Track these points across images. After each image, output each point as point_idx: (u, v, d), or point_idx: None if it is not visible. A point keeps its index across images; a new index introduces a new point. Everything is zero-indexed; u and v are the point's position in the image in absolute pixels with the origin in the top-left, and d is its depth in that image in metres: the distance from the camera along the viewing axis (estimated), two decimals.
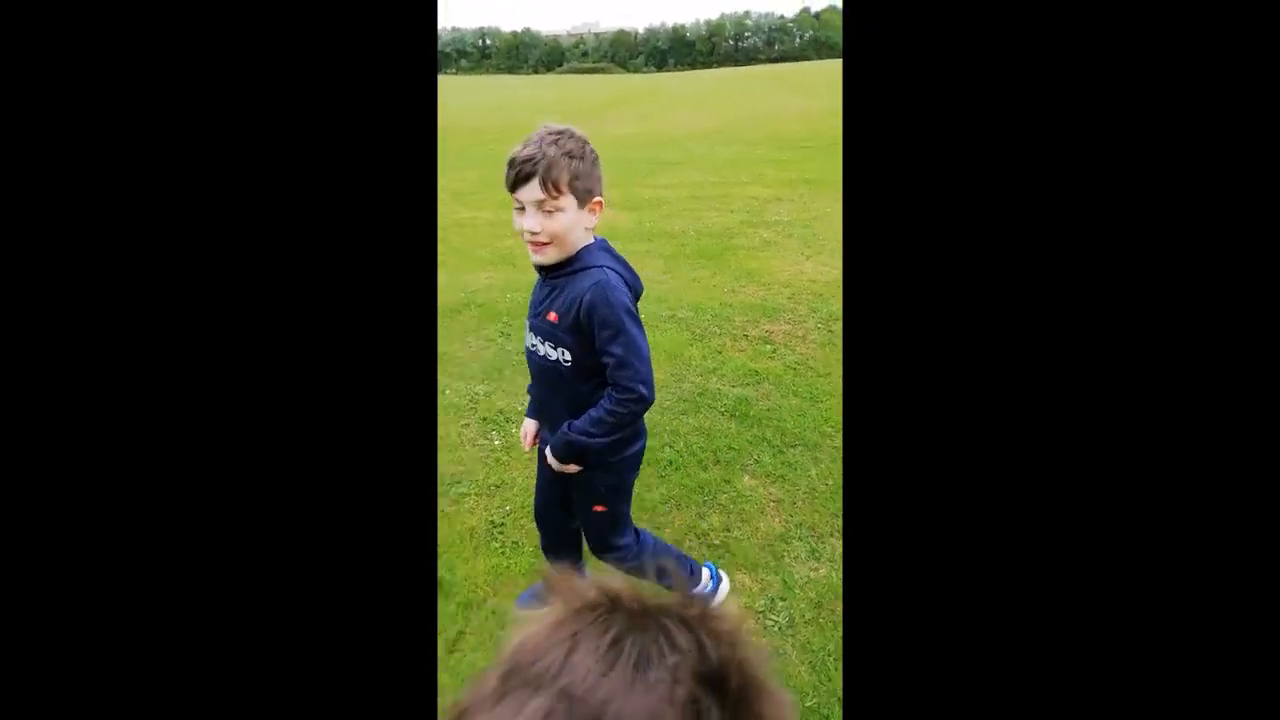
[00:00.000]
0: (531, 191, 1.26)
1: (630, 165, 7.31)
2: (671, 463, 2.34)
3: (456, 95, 17.36)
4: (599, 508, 1.52)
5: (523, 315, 1.65)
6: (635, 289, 1.40)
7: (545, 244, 1.31)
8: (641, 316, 1.40)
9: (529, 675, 0.31)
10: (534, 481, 1.67)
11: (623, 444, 1.43)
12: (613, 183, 6.81)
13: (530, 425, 1.60)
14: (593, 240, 1.37)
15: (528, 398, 1.61)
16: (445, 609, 1.74)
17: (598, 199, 1.33)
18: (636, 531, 1.62)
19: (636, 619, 0.33)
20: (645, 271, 4.15)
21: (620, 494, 1.54)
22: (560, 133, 1.29)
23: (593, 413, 1.36)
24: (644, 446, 1.52)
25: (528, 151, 1.26)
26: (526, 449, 1.59)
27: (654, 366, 1.36)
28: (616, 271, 1.35)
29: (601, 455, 1.40)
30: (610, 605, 0.34)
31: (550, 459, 1.44)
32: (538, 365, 1.45)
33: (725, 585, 1.78)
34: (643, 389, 1.32)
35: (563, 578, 0.36)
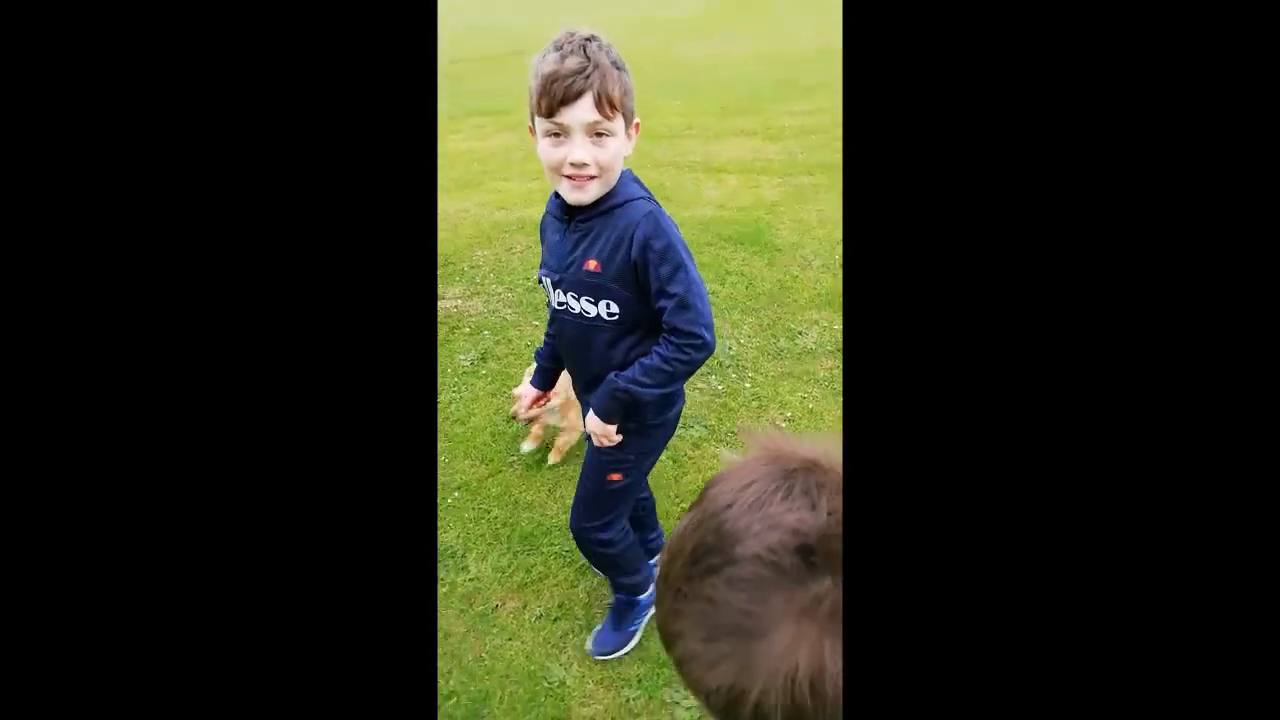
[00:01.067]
0: (582, 112, 1.01)
1: (758, 88, 6.84)
2: None
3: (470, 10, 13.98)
4: (615, 477, 1.31)
5: None
6: None
7: (592, 178, 1.08)
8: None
9: (708, 491, 0.44)
10: None
11: (666, 403, 1.26)
12: (744, 109, 6.54)
13: (529, 391, 1.48)
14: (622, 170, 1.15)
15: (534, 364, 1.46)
16: None
17: (637, 121, 1.11)
18: (626, 529, 1.43)
19: (788, 472, 0.42)
20: (819, 207, 4.00)
21: (644, 466, 1.36)
22: (596, 39, 1.04)
23: (645, 360, 1.16)
24: (681, 410, 1.34)
25: (574, 62, 1.00)
26: (522, 416, 1.50)
27: None
28: (652, 200, 1.14)
29: (642, 417, 1.23)
30: (779, 460, 0.43)
31: (590, 422, 1.24)
32: (572, 325, 1.23)
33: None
34: (706, 333, 1.12)
35: (764, 438, 0.45)
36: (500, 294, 3.18)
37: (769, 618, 0.38)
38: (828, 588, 0.38)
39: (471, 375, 2.58)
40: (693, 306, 1.11)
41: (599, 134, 1.05)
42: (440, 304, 3.12)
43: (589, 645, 1.54)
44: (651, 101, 6.19)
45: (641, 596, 1.52)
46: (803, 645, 0.37)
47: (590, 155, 1.05)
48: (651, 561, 1.61)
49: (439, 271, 3.43)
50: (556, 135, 1.06)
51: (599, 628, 1.56)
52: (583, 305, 1.19)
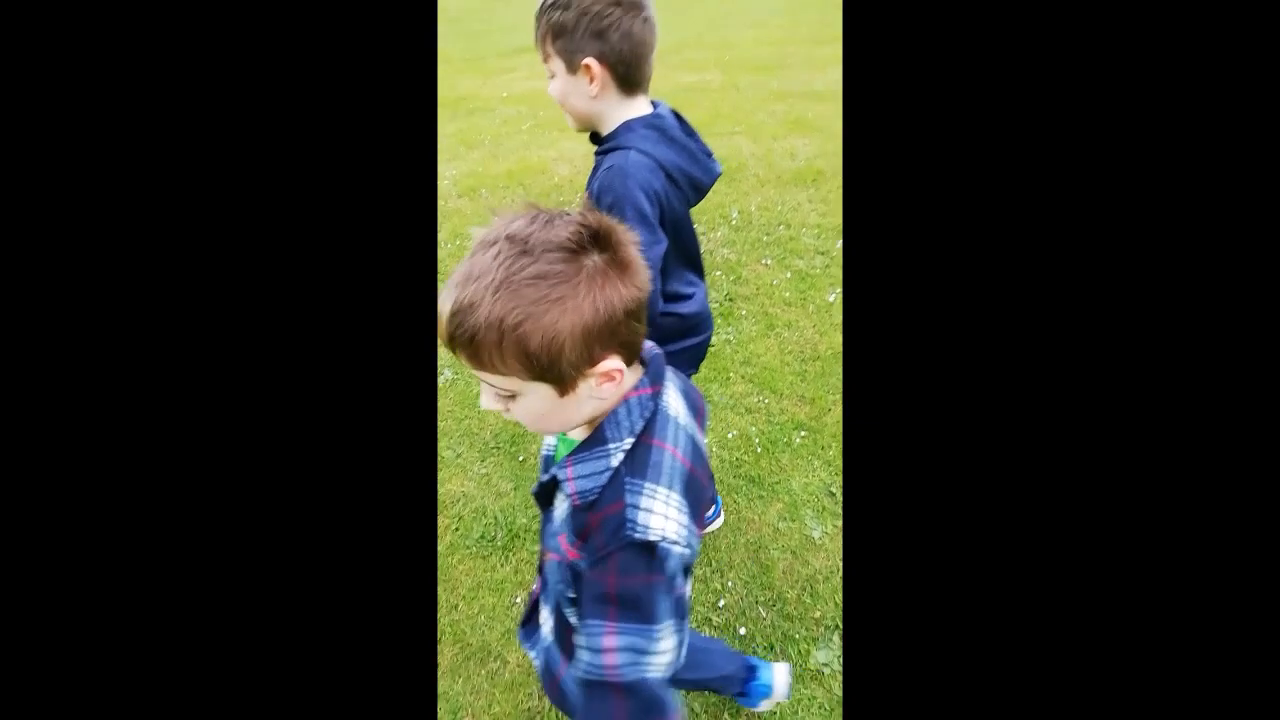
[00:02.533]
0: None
1: (803, 26, 6.58)
2: None
3: None
4: None
5: None
6: (691, 178, 1.13)
7: (564, 112, 1.15)
8: None
9: (486, 241, 0.60)
10: None
11: (667, 337, 1.24)
12: (820, 38, 6.34)
13: None
14: (643, 114, 1.11)
15: None
16: None
17: (586, 61, 1.05)
18: None
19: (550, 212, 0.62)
20: None
21: None
22: None
23: None
24: (699, 342, 1.32)
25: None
26: None
27: None
28: (648, 154, 1.08)
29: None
30: (536, 209, 0.63)
31: None
32: None
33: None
34: None
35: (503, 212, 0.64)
36: (700, 233, 3.08)
37: (577, 278, 0.58)
38: (600, 256, 0.60)
39: (729, 316, 2.52)
40: None
41: (550, 74, 1.12)
42: None
43: None
44: (724, 36, 5.94)
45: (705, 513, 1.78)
46: (604, 287, 0.59)
47: (551, 89, 1.13)
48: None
49: None
50: None
51: None
52: None
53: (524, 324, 0.57)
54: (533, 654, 0.89)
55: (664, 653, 0.62)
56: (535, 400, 0.62)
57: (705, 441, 0.73)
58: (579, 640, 0.64)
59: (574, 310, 0.58)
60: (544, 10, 1.06)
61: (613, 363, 0.62)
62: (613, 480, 0.64)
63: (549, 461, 0.84)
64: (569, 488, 0.65)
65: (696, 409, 0.78)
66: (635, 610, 0.61)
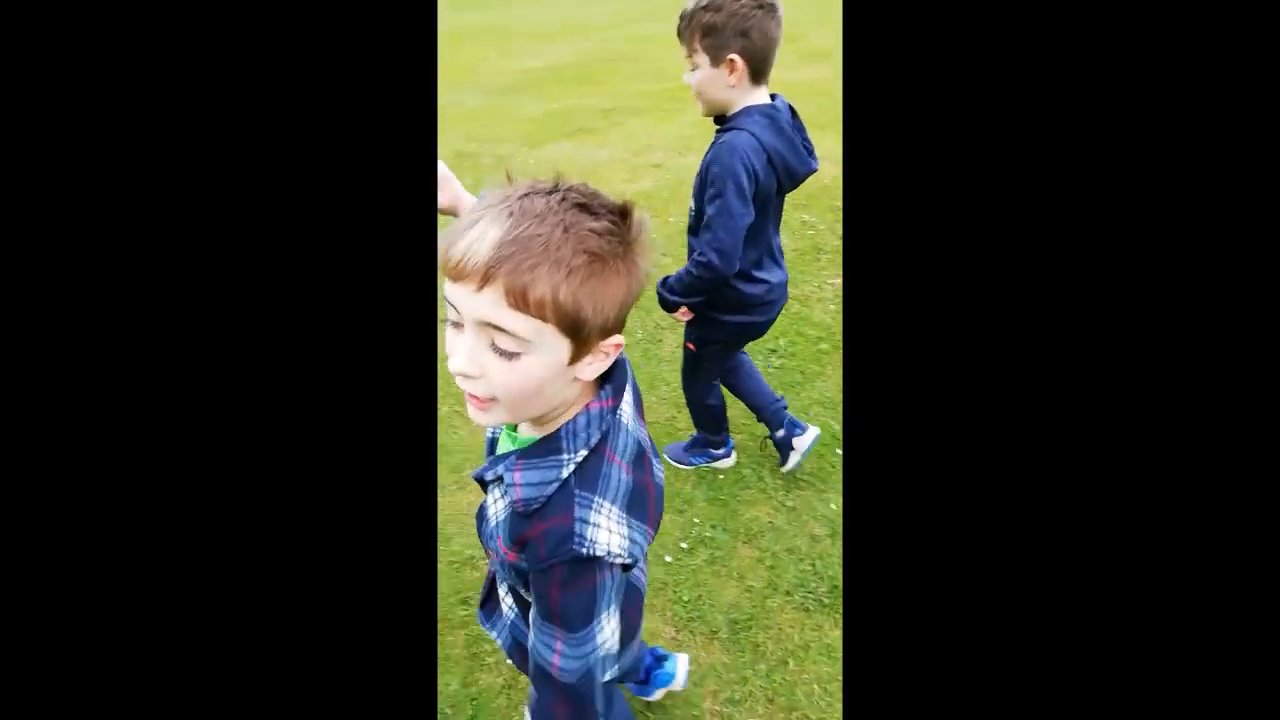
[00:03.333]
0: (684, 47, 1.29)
1: None
2: None
3: None
4: (689, 345, 1.55)
5: None
6: (788, 166, 1.29)
7: (699, 99, 1.31)
8: None
9: (536, 190, 0.58)
10: None
11: (720, 306, 1.39)
12: None
13: None
14: (757, 103, 1.28)
15: None
16: None
17: (730, 56, 1.23)
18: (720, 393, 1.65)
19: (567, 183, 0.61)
20: None
21: (709, 346, 1.52)
22: None
23: (681, 269, 1.36)
24: (748, 322, 1.44)
25: (687, 7, 1.26)
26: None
27: None
28: (755, 136, 1.25)
29: (698, 306, 1.41)
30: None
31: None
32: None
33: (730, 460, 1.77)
34: (713, 256, 1.26)
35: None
36: None
37: (632, 248, 0.58)
38: (635, 234, 0.59)
39: None
40: (712, 229, 1.25)
41: (692, 68, 1.28)
42: None
43: (667, 448, 1.83)
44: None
45: (716, 451, 1.76)
46: (640, 265, 0.60)
47: (690, 80, 1.29)
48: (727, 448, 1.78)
49: None
50: None
51: (678, 443, 1.84)
52: (693, 202, 1.38)
53: (590, 272, 0.55)
54: (494, 634, 0.89)
55: (604, 642, 0.64)
56: (544, 360, 0.58)
57: (646, 432, 0.72)
58: (532, 634, 0.65)
59: (626, 275, 0.58)
60: (695, 12, 1.22)
61: (618, 338, 0.62)
62: (561, 490, 0.62)
63: (493, 445, 0.78)
64: (514, 493, 0.63)
65: (638, 402, 0.74)
66: (579, 619, 0.62)
